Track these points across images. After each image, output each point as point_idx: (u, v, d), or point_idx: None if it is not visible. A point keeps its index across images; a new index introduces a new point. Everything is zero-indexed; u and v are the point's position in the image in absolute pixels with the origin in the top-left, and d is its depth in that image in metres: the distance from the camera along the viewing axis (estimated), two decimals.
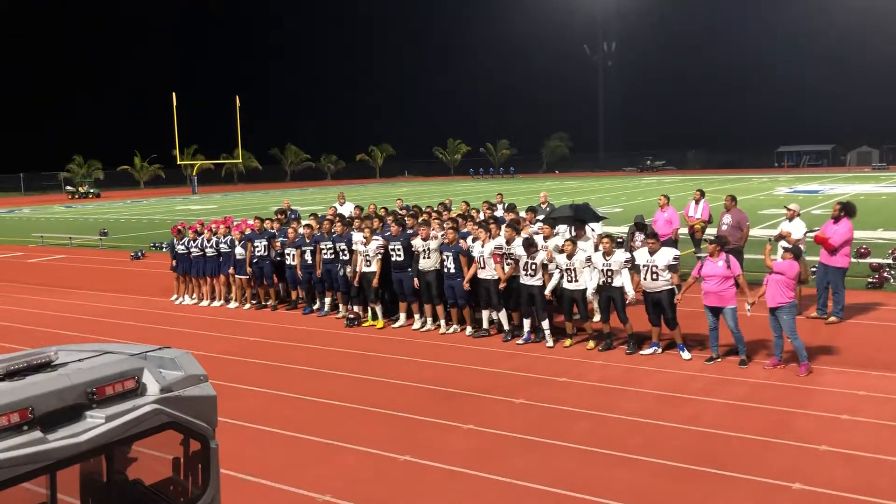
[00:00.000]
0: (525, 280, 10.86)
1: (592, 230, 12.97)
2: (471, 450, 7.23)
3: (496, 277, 11.18)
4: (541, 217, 13.66)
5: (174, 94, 60.08)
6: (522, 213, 13.66)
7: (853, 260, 12.30)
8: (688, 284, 10.10)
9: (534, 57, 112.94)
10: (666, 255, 10.04)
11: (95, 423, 3.10)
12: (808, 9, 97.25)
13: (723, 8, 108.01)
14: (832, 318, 11.57)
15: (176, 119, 60.60)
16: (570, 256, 10.56)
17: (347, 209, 17.28)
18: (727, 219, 13.59)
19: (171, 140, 63.22)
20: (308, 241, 13.33)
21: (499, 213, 14.97)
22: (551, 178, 79.80)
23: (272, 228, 14.42)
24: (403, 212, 15.10)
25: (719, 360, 9.73)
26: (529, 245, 10.76)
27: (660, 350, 10.24)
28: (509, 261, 11.07)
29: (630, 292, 10.18)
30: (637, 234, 13.16)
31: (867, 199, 33.47)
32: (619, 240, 12.87)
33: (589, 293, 10.60)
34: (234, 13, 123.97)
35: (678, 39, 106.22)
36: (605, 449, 7.13)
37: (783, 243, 11.25)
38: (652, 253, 10.09)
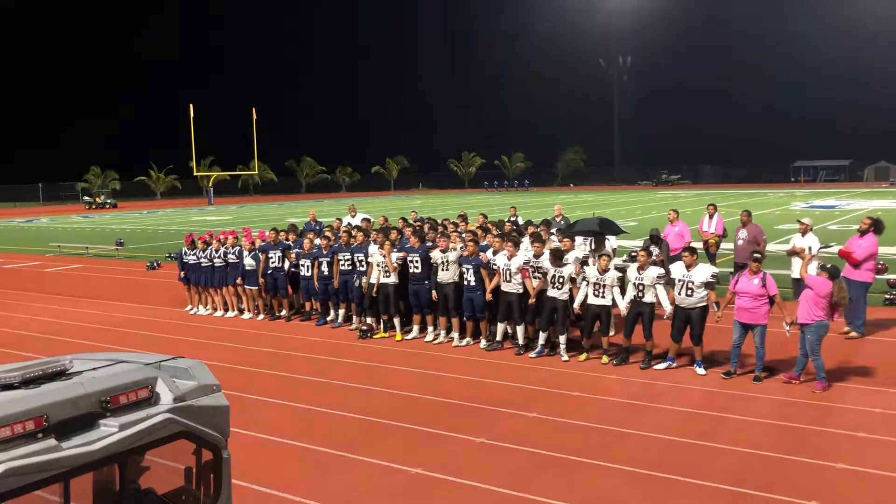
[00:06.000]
0: (551, 293, 10.79)
1: (608, 240, 12.98)
2: (483, 464, 7.19)
3: (520, 291, 11.12)
4: (553, 230, 13.64)
5: (191, 105, 60.66)
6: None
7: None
8: (726, 300, 9.96)
9: (549, 71, 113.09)
10: (704, 272, 9.85)
11: (109, 432, 3.12)
12: (825, 23, 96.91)
13: (739, 22, 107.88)
14: (853, 334, 11.50)
15: (193, 130, 61.17)
16: (602, 271, 10.50)
17: (356, 221, 17.34)
18: (743, 234, 13.53)
19: (188, 151, 63.82)
20: (326, 252, 13.37)
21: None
22: (566, 192, 79.73)
23: (287, 240, 14.47)
24: (419, 224, 15.12)
25: (735, 375, 9.65)
26: (557, 257, 10.71)
27: (674, 365, 10.16)
28: (537, 275, 11.02)
29: (667, 307, 10.02)
30: (652, 247, 13.10)
31: (885, 215, 33.03)
32: (633, 253, 12.83)
33: (623, 307, 10.46)
34: (252, 26, 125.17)
35: (694, 54, 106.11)
36: (619, 465, 7.07)
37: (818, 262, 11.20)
38: (688, 268, 9.95)
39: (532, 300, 11.01)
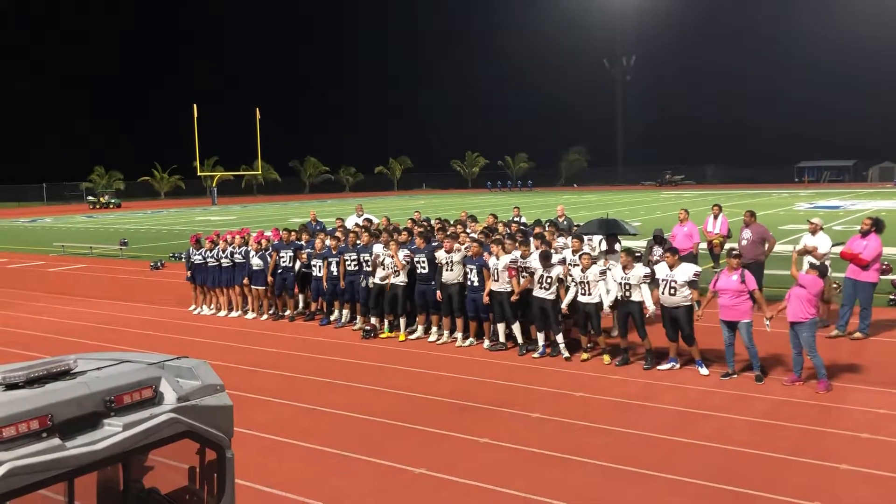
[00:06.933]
0: (538, 293, 10.84)
1: (620, 242, 13.03)
2: (486, 464, 7.20)
3: (509, 290, 11.17)
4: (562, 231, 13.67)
5: (195, 106, 60.72)
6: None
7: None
8: (707, 299, 10.03)
9: (552, 70, 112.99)
10: (686, 271, 9.97)
11: (113, 432, 3.13)
12: (829, 24, 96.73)
13: (743, 23, 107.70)
14: (857, 334, 11.49)
15: (197, 131, 61.21)
16: (584, 269, 10.54)
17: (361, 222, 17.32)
18: (747, 234, 13.52)
19: (192, 152, 63.84)
20: (334, 252, 13.40)
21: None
22: (569, 192, 79.67)
23: (300, 239, 14.51)
24: (426, 224, 15.15)
25: (735, 375, 9.65)
26: (545, 258, 10.75)
27: (678, 365, 10.16)
28: (524, 274, 11.07)
29: (650, 307, 10.11)
30: (655, 247, 13.11)
31: (888, 216, 33.02)
32: (637, 254, 12.86)
33: (606, 307, 10.56)
34: (254, 26, 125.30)
35: (697, 54, 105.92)
36: (622, 465, 7.07)
37: (810, 259, 11.20)
38: (671, 268, 10.03)
39: (514, 297, 11.05)
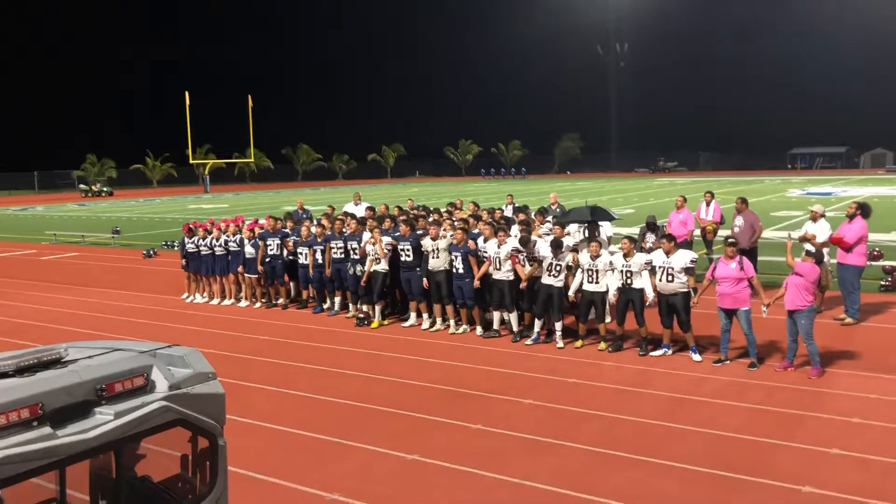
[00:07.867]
0: (547, 280, 10.83)
1: (601, 228, 12.98)
2: (479, 450, 7.22)
3: (511, 279, 11.16)
4: (549, 218, 13.64)
5: (187, 93, 60.38)
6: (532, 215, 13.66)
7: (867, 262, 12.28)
8: (703, 287, 10.05)
9: (546, 57, 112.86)
10: (683, 258, 9.96)
11: (104, 420, 3.12)
12: (821, 11, 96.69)
13: (737, 10, 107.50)
14: (848, 320, 11.53)
15: (189, 118, 60.90)
16: (594, 257, 10.53)
17: (360, 210, 17.28)
18: (739, 221, 13.55)
19: (184, 139, 63.55)
20: (319, 240, 13.36)
21: (508, 213, 15.01)
22: (563, 179, 79.65)
23: (286, 227, 14.45)
24: (415, 212, 15.13)
25: (728, 362, 9.69)
26: (557, 246, 10.74)
27: (670, 352, 10.19)
28: (532, 262, 11.04)
29: (650, 294, 10.11)
30: (648, 234, 13.13)
31: (881, 202, 33.21)
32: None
33: (611, 295, 10.51)
34: (247, 13, 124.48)
35: (691, 40, 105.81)
36: (614, 450, 7.10)
37: (808, 246, 11.23)
38: (668, 254, 10.03)
39: (523, 285, 11.04)
